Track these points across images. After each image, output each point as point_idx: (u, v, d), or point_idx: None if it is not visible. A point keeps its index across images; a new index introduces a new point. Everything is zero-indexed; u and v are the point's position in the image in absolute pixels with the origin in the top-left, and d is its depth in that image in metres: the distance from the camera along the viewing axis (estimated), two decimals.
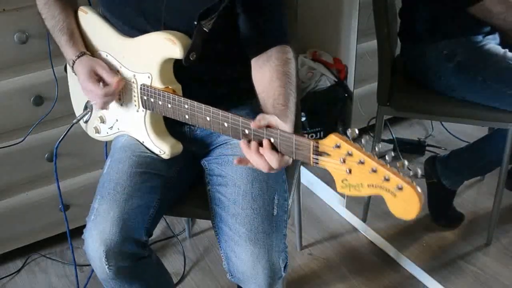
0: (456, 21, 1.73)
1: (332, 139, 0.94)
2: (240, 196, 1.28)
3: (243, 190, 1.28)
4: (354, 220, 2.14)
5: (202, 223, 2.16)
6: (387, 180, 0.89)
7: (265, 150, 1.05)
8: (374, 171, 0.90)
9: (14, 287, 1.93)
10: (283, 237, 1.29)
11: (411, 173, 0.87)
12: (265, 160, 1.05)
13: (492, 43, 1.76)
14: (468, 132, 2.16)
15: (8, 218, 1.91)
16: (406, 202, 0.87)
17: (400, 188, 0.87)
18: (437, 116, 1.97)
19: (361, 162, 0.91)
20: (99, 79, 1.31)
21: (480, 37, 1.75)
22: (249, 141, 1.07)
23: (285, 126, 1.09)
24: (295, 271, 1.95)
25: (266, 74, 1.26)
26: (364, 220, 2.12)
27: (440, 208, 2.09)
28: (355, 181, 0.93)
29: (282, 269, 1.28)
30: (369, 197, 2.08)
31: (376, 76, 1.88)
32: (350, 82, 2.30)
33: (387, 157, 0.90)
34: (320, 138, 1.00)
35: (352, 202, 2.16)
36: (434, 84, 1.82)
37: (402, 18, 1.89)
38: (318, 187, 2.31)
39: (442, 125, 2.33)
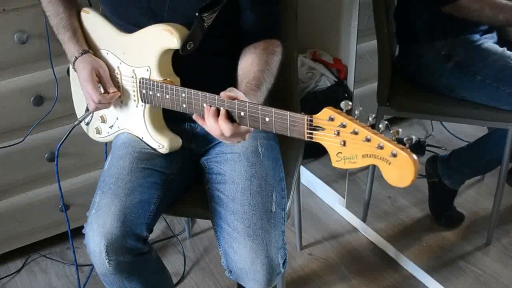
0: (453, 20, 1.73)
1: (325, 112, 0.94)
2: (239, 192, 1.29)
3: (241, 187, 1.29)
4: (354, 220, 2.14)
5: (202, 223, 2.16)
6: (381, 148, 0.88)
7: (221, 118, 1.10)
8: (368, 140, 0.90)
9: (14, 287, 1.93)
10: (281, 234, 1.29)
11: (406, 139, 0.87)
12: (219, 126, 1.10)
13: (490, 41, 1.76)
14: (468, 132, 2.16)
15: (8, 218, 1.91)
16: (401, 168, 0.86)
17: (394, 155, 0.87)
18: (437, 116, 1.96)
19: (355, 132, 0.91)
20: (99, 81, 1.33)
21: (477, 36, 1.76)
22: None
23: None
24: (295, 271, 1.95)
25: (249, 59, 1.29)
26: (364, 220, 2.11)
27: (440, 208, 2.09)
28: (350, 153, 0.93)
29: (281, 265, 1.28)
30: (369, 197, 2.08)
31: (376, 76, 1.88)
32: (350, 82, 2.30)
33: (380, 126, 0.90)
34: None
35: (352, 202, 2.16)
36: (433, 84, 1.82)
37: (397, 20, 1.89)
38: (318, 187, 2.31)
39: (442, 125, 2.33)
